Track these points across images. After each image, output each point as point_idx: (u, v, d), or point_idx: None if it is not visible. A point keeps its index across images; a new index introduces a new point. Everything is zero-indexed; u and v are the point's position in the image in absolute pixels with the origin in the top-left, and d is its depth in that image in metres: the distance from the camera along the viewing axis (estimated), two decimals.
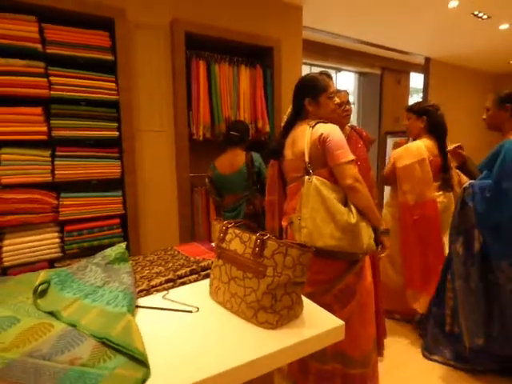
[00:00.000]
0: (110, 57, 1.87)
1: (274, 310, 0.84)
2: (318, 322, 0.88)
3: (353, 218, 1.32)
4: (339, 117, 1.79)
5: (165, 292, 1.04)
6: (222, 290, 0.94)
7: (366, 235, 1.35)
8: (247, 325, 0.85)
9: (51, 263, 1.89)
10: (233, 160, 2.12)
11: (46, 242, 1.84)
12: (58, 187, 1.86)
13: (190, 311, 0.92)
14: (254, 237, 0.89)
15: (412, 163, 2.00)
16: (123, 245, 1.25)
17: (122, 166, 1.98)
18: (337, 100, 1.51)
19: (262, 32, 2.43)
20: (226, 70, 2.30)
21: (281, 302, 0.84)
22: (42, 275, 1.08)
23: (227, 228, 0.97)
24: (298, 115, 1.51)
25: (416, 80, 5.51)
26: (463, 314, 1.66)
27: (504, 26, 3.50)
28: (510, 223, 1.51)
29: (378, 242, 1.43)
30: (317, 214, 1.32)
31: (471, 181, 1.71)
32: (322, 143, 1.36)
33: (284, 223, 1.48)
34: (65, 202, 1.85)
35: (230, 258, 0.93)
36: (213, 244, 1.49)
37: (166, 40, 2.12)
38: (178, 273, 1.12)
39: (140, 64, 2.04)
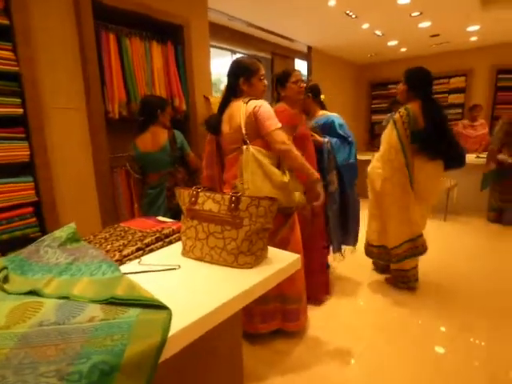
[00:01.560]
0: (4, 20, 1.61)
1: (251, 253, 1.02)
2: (280, 258, 1.10)
3: (285, 177, 1.58)
4: (295, 93, 2.00)
5: (137, 260, 1.10)
6: (199, 247, 1.06)
7: (297, 192, 1.63)
8: (228, 269, 1.01)
9: None
10: (155, 138, 2.11)
11: None
12: None
13: (174, 268, 1.02)
14: (226, 196, 1.03)
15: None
16: (73, 224, 1.21)
17: (31, 147, 1.77)
18: (265, 82, 1.71)
19: (171, 9, 2.41)
20: (138, 45, 2.23)
21: (256, 245, 1.02)
22: None
23: (198, 192, 1.08)
24: (233, 94, 1.68)
25: (300, 66, 6.18)
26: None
27: (366, 26, 4.27)
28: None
29: (310, 190, 1.70)
30: (256, 176, 1.54)
31: (328, 139, 2.29)
32: (255, 115, 1.57)
33: (227, 190, 1.65)
34: None
35: (205, 217, 1.05)
36: (159, 218, 1.55)
37: (69, 5, 1.91)
38: (145, 241, 1.17)
39: (40, 32, 1.81)
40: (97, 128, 2.06)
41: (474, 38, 5.04)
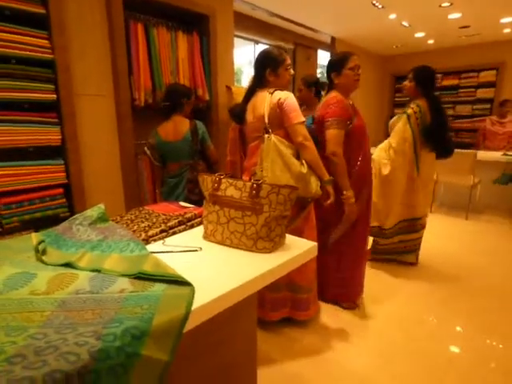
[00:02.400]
0: (41, 10, 1.69)
1: (270, 238, 1.06)
2: (298, 245, 1.13)
3: (304, 168, 1.62)
4: (351, 81, 1.88)
5: (161, 241, 1.16)
6: (220, 231, 1.11)
7: (314, 183, 1.66)
8: (247, 253, 1.06)
9: None
10: (177, 128, 2.13)
11: None
12: None
13: (196, 250, 1.08)
14: (248, 183, 1.08)
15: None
16: (102, 205, 1.29)
17: (62, 132, 1.87)
18: (291, 72, 1.73)
19: None
20: (165, 35, 2.28)
21: (274, 232, 1.07)
22: (34, 236, 1.07)
23: (220, 179, 1.13)
24: (259, 84, 1.72)
25: (323, 57, 6.09)
26: None
27: (393, 16, 4.16)
28: None
29: (323, 190, 1.72)
30: (275, 165, 1.59)
31: None
32: (279, 106, 1.60)
33: (246, 177, 1.69)
34: (0, 172, 1.68)
35: (227, 203, 1.10)
36: (181, 203, 1.62)
37: None
38: (169, 224, 1.24)
39: (73, 21, 1.89)
40: (124, 115, 2.14)
41: (507, 30, 4.81)
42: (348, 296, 2.12)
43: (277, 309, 1.88)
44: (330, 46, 5.38)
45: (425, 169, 2.43)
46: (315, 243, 1.15)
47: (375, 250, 2.71)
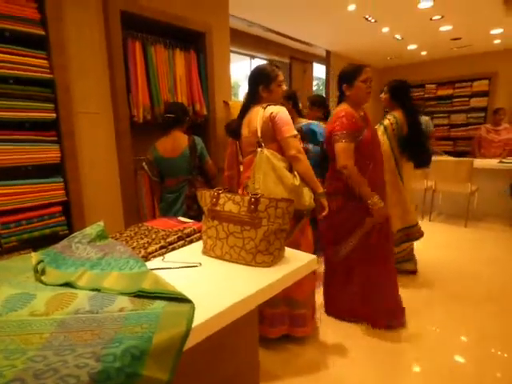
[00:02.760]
0: (40, 31, 1.73)
1: (269, 252, 1.06)
2: (297, 258, 1.13)
3: (296, 181, 1.63)
4: (363, 94, 1.86)
5: (161, 257, 1.16)
6: (219, 246, 1.11)
7: (307, 195, 1.66)
8: (247, 268, 1.06)
9: None
10: (175, 143, 2.14)
11: None
12: None
13: (196, 266, 1.07)
14: (246, 198, 1.08)
15: None
16: (101, 223, 1.29)
17: (62, 149, 1.88)
18: (284, 87, 1.76)
19: (194, 17, 2.50)
20: (162, 53, 2.33)
21: (273, 245, 1.07)
22: (34, 255, 1.07)
23: (219, 194, 1.14)
24: (253, 100, 1.75)
25: (318, 70, 6.20)
26: None
27: (385, 29, 4.26)
28: None
29: (317, 203, 1.71)
30: (268, 178, 1.61)
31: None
32: (271, 120, 1.63)
33: (240, 191, 1.71)
34: None
35: (226, 218, 1.10)
36: (180, 218, 1.62)
37: (99, 16, 2.03)
38: (168, 240, 1.23)
39: (72, 41, 1.93)
40: (122, 132, 2.16)
41: (497, 41, 4.93)
42: (381, 314, 1.99)
43: (275, 325, 1.84)
44: (325, 60, 5.49)
45: (405, 178, 2.48)
46: (315, 256, 1.15)
47: None
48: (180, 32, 2.45)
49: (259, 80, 1.72)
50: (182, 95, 2.45)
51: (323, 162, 2.21)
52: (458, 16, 3.81)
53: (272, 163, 1.62)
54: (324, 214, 1.75)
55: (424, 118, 4.68)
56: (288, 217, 1.07)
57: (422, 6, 3.43)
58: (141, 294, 0.85)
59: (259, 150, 1.65)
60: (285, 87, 1.77)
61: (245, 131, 1.76)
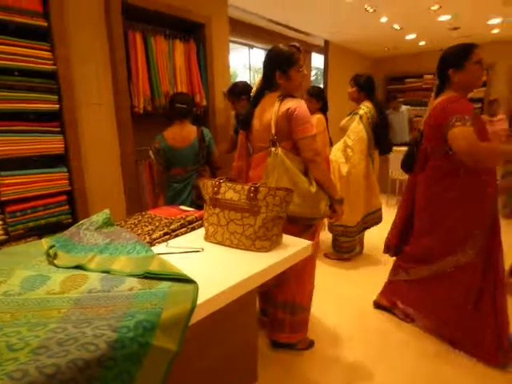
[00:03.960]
0: (43, 23, 1.76)
1: (267, 238, 1.13)
2: (293, 244, 1.20)
3: (313, 187, 1.47)
4: (475, 78, 1.59)
5: (165, 243, 1.23)
6: (221, 232, 1.18)
7: (323, 203, 1.51)
8: (247, 252, 1.13)
9: None
10: (184, 134, 2.16)
11: None
12: None
13: (198, 251, 1.14)
14: (246, 186, 1.14)
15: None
16: (107, 211, 1.35)
17: (65, 140, 1.93)
18: (304, 72, 1.54)
19: (193, 8, 2.51)
20: (162, 44, 2.35)
21: (271, 232, 1.13)
22: (45, 242, 1.13)
23: (220, 183, 1.20)
24: (268, 86, 1.56)
25: (316, 60, 6.18)
26: None
27: (384, 19, 4.26)
28: None
29: (332, 209, 1.59)
30: (281, 182, 1.44)
31: None
32: (288, 117, 1.44)
33: None
34: (5, 181, 1.73)
35: (227, 205, 1.16)
36: (182, 207, 1.68)
37: (100, 7, 2.04)
38: (172, 227, 1.30)
39: (74, 32, 1.95)
40: (123, 122, 2.20)
41: (495, 31, 4.92)
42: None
43: (297, 330, 1.74)
44: (324, 49, 5.47)
45: (375, 164, 2.73)
46: (310, 242, 1.22)
47: (338, 248, 2.84)
48: (180, 23, 2.46)
49: (276, 64, 1.49)
50: (181, 86, 2.48)
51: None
52: (456, 6, 3.82)
53: (286, 166, 1.45)
54: (334, 220, 1.64)
55: (405, 107, 4.80)
56: (285, 205, 1.13)
57: None
58: (148, 276, 0.92)
59: (273, 149, 1.47)
60: (305, 72, 1.56)
61: (256, 123, 1.58)
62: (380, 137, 2.63)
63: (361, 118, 2.57)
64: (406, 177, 4.14)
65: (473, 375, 1.61)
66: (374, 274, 2.58)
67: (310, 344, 1.80)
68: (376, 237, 3.08)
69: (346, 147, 2.60)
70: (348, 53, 5.98)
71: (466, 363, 1.68)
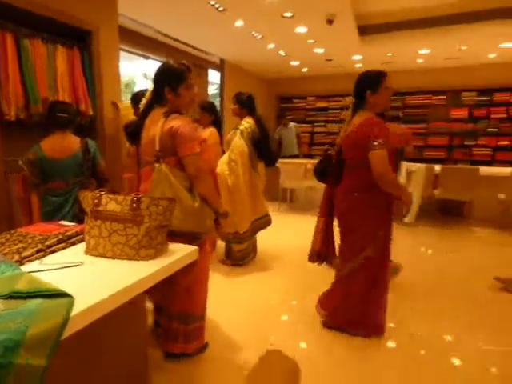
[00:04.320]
0: None
1: (152, 246, 1.16)
2: (180, 250, 1.26)
3: (196, 202, 1.52)
4: (385, 101, 1.82)
5: (37, 261, 1.14)
6: (103, 244, 1.17)
7: (208, 217, 1.58)
8: (130, 262, 1.14)
9: None
10: (65, 144, 2.02)
11: None
12: None
13: (77, 265, 1.10)
14: (128, 197, 1.17)
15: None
16: None
17: None
18: (195, 91, 1.59)
19: (79, 14, 2.38)
20: (40, 48, 2.16)
21: (156, 240, 1.18)
22: None
23: (101, 195, 1.19)
24: (158, 101, 1.57)
25: (214, 76, 6.44)
26: None
27: (271, 45, 4.74)
28: None
29: (216, 222, 1.66)
30: None
31: None
32: (172, 134, 1.47)
33: None
34: None
35: (108, 217, 1.16)
36: (62, 222, 1.57)
37: None
38: (47, 243, 1.22)
39: None
40: None
41: (359, 65, 5.98)
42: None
43: (191, 340, 1.76)
44: (220, 67, 5.75)
45: (261, 175, 2.93)
46: (196, 247, 1.30)
47: (233, 257, 2.99)
48: (62, 27, 2.30)
49: (165, 79, 1.53)
50: (64, 93, 2.31)
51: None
52: (328, 42, 4.53)
53: (170, 181, 1.48)
54: (220, 232, 1.73)
55: (292, 124, 5.46)
56: (169, 214, 1.20)
57: (299, 30, 3.97)
58: (14, 295, 0.86)
59: (157, 165, 1.49)
60: (196, 90, 1.62)
61: (144, 135, 1.58)
62: (262, 150, 2.83)
63: (241, 133, 2.75)
64: (295, 186, 4.79)
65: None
66: (267, 278, 2.81)
67: (204, 346, 1.86)
68: (268, 243, 3.41)
69: (230, 161, 2.73)
70: (243, 72, 6.41)
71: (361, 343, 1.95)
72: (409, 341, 1.97)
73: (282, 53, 5.13)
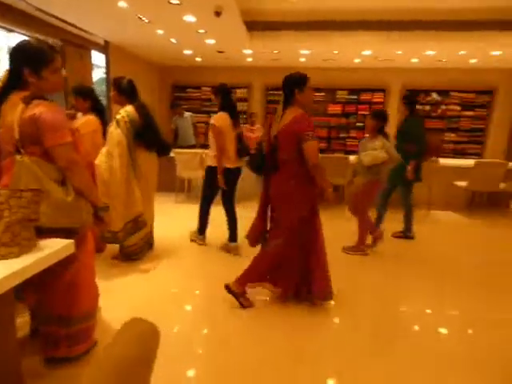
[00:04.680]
0: None
1: (15, 243, 1.08)
2: (52, 245, 1.19)
3: (70, 196, 1.41)
4: (310, 101, 2.15)
5: None
6: None
7: (84, 211, 1.48)
8: None
9: None
10: None
11: None
12: None
13: None
14: None
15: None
16: None
17: None
18: (62, 74, 1.46)
19: None
20: None
21: (20, 236, 1.09)
22: None
23: None
24: (16, 84, 1.40)
25: (98, 58, 5.87)
26: None
27: (160, 31, 4.57)
28: None
29: (97, 217, 1.57)
30: None
31: None
32: (34, 122, 1.34)
33: None
34: None
35: None
36: None
37: None
38: None
39: None
40: None
41: (249, 59, 6.28)
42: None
43: (76, 343, 1.65)
44: (104, 49, 5.28)
45: (142, 164, 2.66)
46: (71, 241, 1.24)
47: (124, 253, 2.80)
48: None
49: (25, 60, 1.37)
50: None
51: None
52: (218, 33, 4.61)
53: (35, 174, 1.34)
54: (103, 228, 1.64)
55: (188, 114, 5.42)
56: (35, 206, 1.12)
57: (187, 18, 3.94)
58: None
59: (18, 157, 1.34)
60: (64, 73, 1.50)
61: (1, 123, 1.40)
62: (147, 140, 2.63)
63: (118, 122, 2.52)
64: (192, 176, 4.69)
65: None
66: (166, 269, 2.78)
67: (92, 347, 1.77)
68: (165, 235, 3.34)
69: (107, 152, 2.53)
70: (132, 57, 6.03)
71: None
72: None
73: (173, 40, 5.01)
